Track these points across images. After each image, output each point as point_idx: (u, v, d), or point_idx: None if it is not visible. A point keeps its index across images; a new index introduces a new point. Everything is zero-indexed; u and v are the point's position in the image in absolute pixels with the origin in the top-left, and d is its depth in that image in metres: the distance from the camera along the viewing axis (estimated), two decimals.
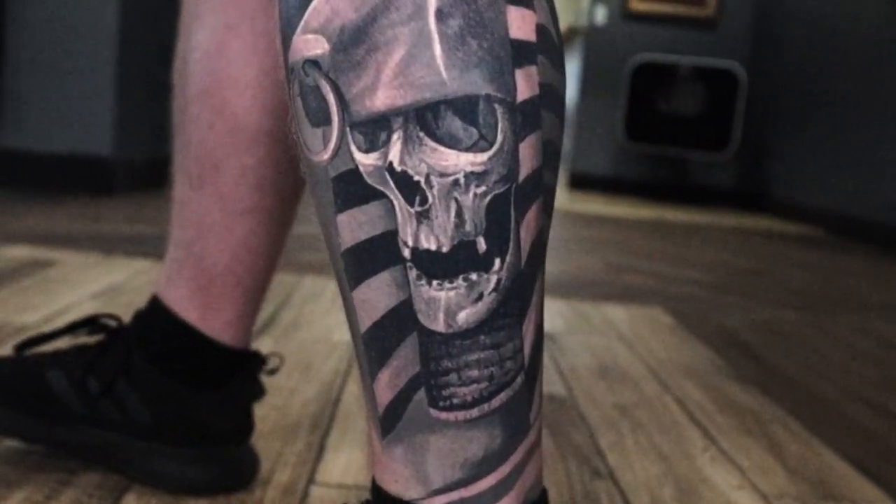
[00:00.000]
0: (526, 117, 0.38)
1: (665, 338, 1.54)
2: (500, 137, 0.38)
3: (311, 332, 1.33)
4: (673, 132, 4.98)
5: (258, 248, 0.72)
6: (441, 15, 0.37)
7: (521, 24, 0.38)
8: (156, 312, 0.74)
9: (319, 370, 1.15)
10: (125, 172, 2.84)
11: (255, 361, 0.76)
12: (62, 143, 2.74)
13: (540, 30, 0.39)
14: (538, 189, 0.40)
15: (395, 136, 0.37)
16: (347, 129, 0.37)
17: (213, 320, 0.73)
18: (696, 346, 1.50)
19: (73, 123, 2.74)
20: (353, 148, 0.38)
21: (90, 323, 0.77)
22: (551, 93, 0.40)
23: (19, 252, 1.70)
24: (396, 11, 0.36)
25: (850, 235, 3.89)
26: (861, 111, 3.94)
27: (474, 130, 0.37)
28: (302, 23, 0.38)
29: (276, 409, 0.98)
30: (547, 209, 0.41)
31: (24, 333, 1.17)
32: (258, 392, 0.77)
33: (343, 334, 1.33)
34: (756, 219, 4.63)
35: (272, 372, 0.79)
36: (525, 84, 0.38)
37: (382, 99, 0.37)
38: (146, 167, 3.05)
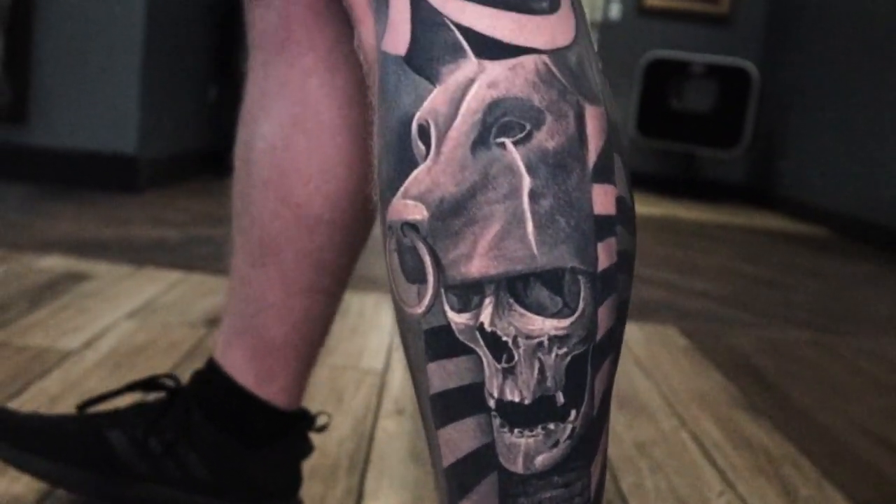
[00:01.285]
0: (605, 284, 0.43)
1: (680, 362, 1.59)
2: (581, 305, 0.42)
3: (339, 356, 1.38)
4: (684, 129, 5.00)
5: (315, 322, 0.77)
6: (534, 195, 0.41)
7: (603, 200, 0.42)
8: (214, 376, 0.79)
9: (351, 403, 1.20)
10: (150, 170, 2.89)
11: (305, 421, 0.81)
12: (88, 140, 2.79)
13: (619, 202, 0.44)
14: (613, 345, 0.44)
15: (486, 301, 0.41)
16: (442, 289, 0.41)
17: (268, 387, 0.78)
18: (709, 373, 1.55)
19: (99, 121, 2.78)
20: (447, 307, 0.41)
21: (149, 383, 0.81)
22: (626, 258, 0.44)
23: (53, 262, 1.75)
24: (493, 190, 0.40)
25: (856, 237, 3.92)
26: (872, 113, 3.97)
27: (559, 299, 0.41)
28: (402, 188, 0.42)
29: (315, 447, 1.03)
30: (617, 358, 0.46)
31: (68, 360, 1.22)
32: (307, 449, 0.82)
33: (371, 361, 1.38)
34: (763, 216, 4.66)
35: (321, 429, 0.83)
36: (605, 255, 0.42)
37: (477, 267, 0.41)
38: (170, 163, 3.09)
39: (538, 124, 0.41)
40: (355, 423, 1.12)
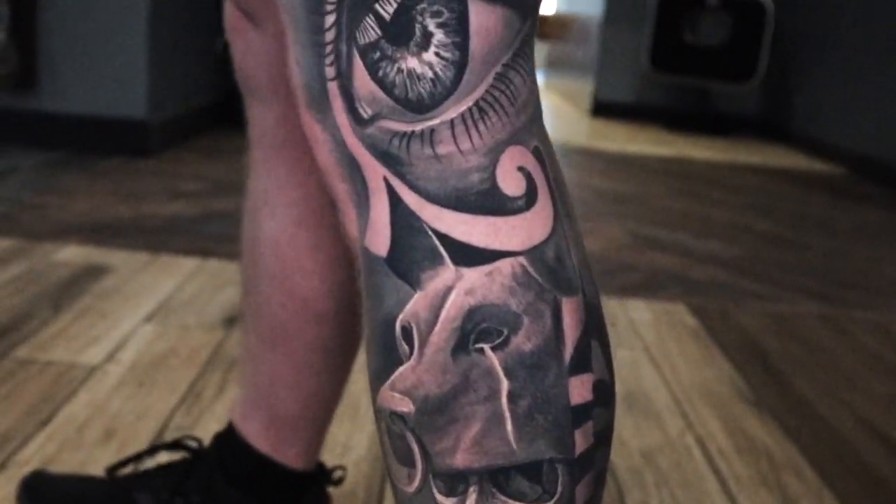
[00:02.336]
0: (582, 466, 0.45)
1: (688, 349, 1.62)
2: (560, 489, 0.45)
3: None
4: (698, 62, 4.94)
5: (326, 394, 0.80)
6: (512, 397, 0.43)
7: (580, 391, 0.45)
8: (233, 441, 0.83)
9: (367, 414, 1.24)
10: (161, 132, 2.90)
11: (322, 478, 0.85)
12: (97, 105, 2.79)
13: (596, 386, 0.46)
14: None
15: (471, 489, 0.44)
16: (430, 475, 0.44)
17: (285, 453, 0.81)
18: (716, 360, 1.58)
19: (108, 86, 2.78)
20: (435, 491, 0.44)
21: (174, 444, 0.85)
22: (604, 433, 0.47)
23: (71, 254, 1.78)
24: (474, 392, 0.43)
25: (870, 177, 3.91)
26: (890, 48, 3.91)
27: (538, 487, 0.44)
28: (389, 381, 0.44)
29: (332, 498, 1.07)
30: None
31: (92, 378, 1.26)
32: (325, 503, 0.86)
33: None
34: (778, 153, 4.64)
35: (337, 483, 0.87)
36: (582, 439, 0.45)
37: (461, 460, 0.44)
38: (180, 122, 3.09)
39: (515, 328, 0.43)
40: (371, 442, 1.16)
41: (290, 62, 0.47)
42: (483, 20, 0.42)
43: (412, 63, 0.42)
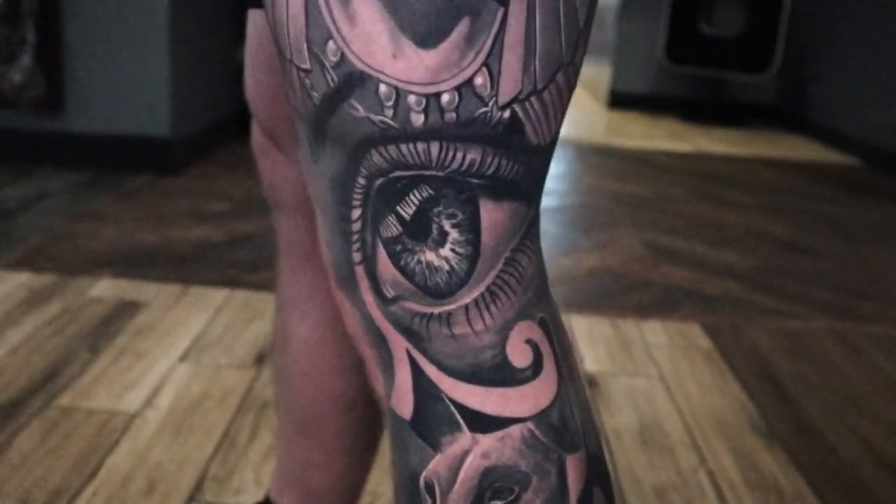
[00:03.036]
0: None
1: (702, 374, 1.67)
2: None
3: None
4: (714, 53, 4.95)
5: (356, 473, 0.86)
6: None
7: None
8: None
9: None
10: (184, 149, 2.96)
11: None
12: (122, 125, 2.86)
13: None
14: None
15: None
16: None
17: None
18: (729, 386, 1.63)
19: (132, 106, 2.85)
20: None
21: None
22: None
23: (105, 289, 1.85)
24: None
25: (886, 169, 3.92)
26: None
27: None
28: None
29: None
30: None
31: (133, 426, 1.33)
32: None
33: None
34: (795, 143, 4.65)
35: None
36: None
37: None
38: (204, 136, 3.16)
39: (525, 486, 0.49)
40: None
41: (321, 240, 0.53)
42: (492, 217, 0.48)
43: (430, 256, 0.47)
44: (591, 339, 1.80)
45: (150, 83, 2.84)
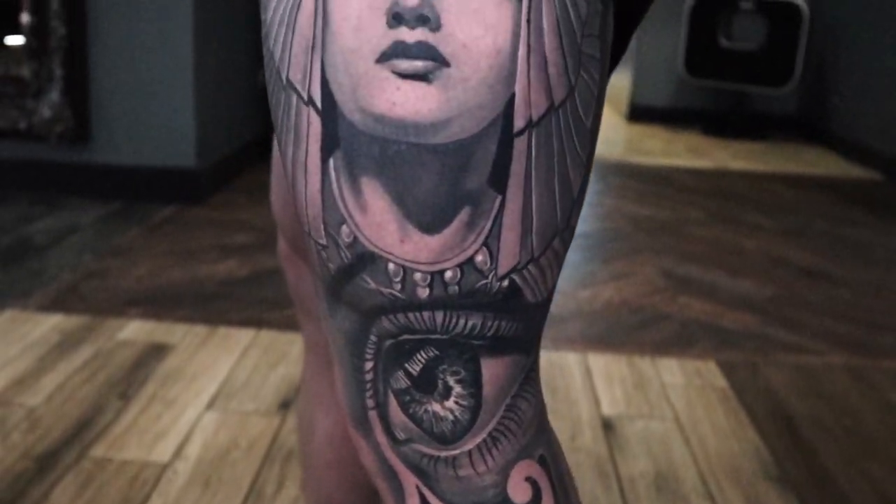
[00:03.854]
0: None
1: (717, 418, 1.70)
2: None
3: None
4: (734, 67, 4.96)
5: None
6: None
7: None
8: None
9: None
10: (208, 177, 3.02)
11: None
12: (148, 156, 2.92)
13: None
14: None
15: None
16: None
17: None
18: (744, 430, 1.66)
19: (157, 137, 2.91)
20: None
21: None
22: None
23: (134, 332, 1.91)
24: None
25: None
26: None
27: None
28: None
29: None
30: None
31: (163, 478, 1.38)
32: None
33: None
34: (815, 155, 4.65)
35: None
36: None
37: None
38: (226, 164, 3.22)
39: None
40: None
41: (337, 382, 0.57)
42: (493, 371, 0.52)
43: (436, 407, 0.52)
44: (608, 379, 1.84)
45: (175, 114, 2.90)
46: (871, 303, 2.42)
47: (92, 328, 1.92)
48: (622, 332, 2.09)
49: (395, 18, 0.43)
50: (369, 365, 0.53)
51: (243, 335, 1.93)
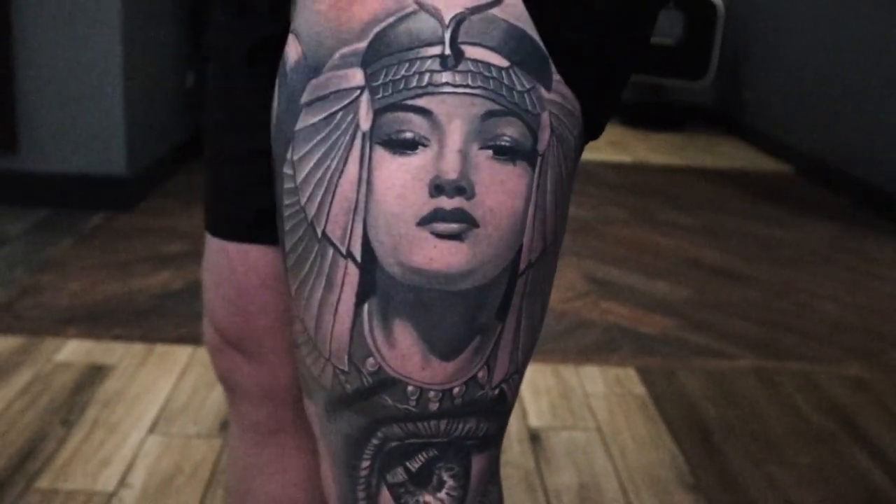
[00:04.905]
0: None
1: (636, 427, 1.82)
2: None
3: None
4: (654, 60, 5.10)
5: None
6: None
7: None
8: None
9: None
10: (139, 183, 3.03)
11: None
12: (77, 163, 2.92)
13: None
14: None
15: None
16: None
17: None
18: (662, 438, 1.78)
19: (87, 144, 2.90)
20: None
21: None
22: None
23: (73, 352, 1.94)
24: None
25: (816, 177, 4.11)
26: (837, 48, 4.09)
27: None
28: None
29: None
30: None
31: None
32: None
33: None
34: (730, 147, 4.83)
35: None
36: None
37: None
38: (156, 168, 3.22)
39: None
40: None
41: (325, 472, 0.64)
42: (479, 465, 0.61)
43: (428, 498, 0.60)
44: (534, 390, 1.94)
45: (104, 120, 2.89)
46: (779, 304, 2.57)
47: (29, 350, 1.94)
48: (548, 339, 2.19)
49: (437, 189, 0.51)
50: (366, 463, 0.60)
51: (181, 353, 1.98)
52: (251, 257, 0.74)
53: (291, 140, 0.52)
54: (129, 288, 2.32)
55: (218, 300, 0.78)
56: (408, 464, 0.59)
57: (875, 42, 3.74)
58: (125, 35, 2.88)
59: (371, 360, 0.55)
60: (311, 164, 0.52)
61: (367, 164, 0.50)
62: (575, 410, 1.87)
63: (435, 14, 0.49)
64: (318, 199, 0.52)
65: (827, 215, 3.59)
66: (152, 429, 1.68)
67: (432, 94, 0.50)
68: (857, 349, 2.27)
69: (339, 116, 0.50)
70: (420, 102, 0.50)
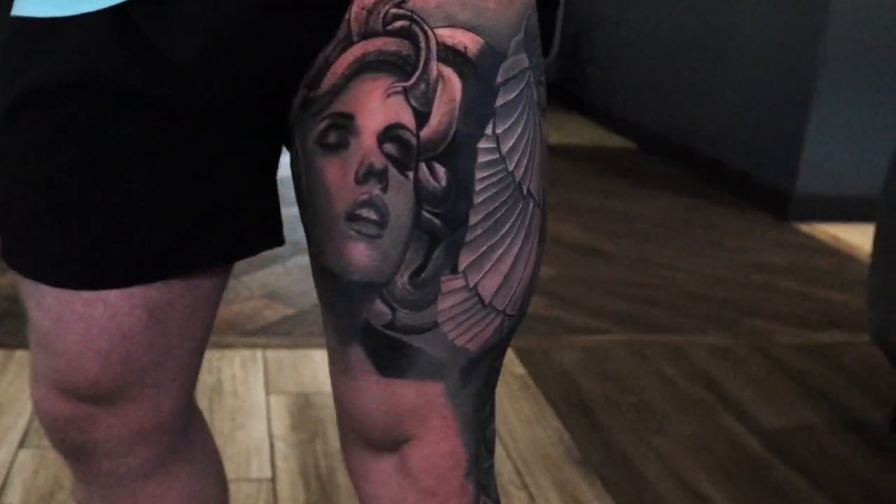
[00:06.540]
0: None
1: (521, 406, 1.84)
2: None
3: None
4: None
5: None
6: None
7: None
8: None
9: None
10: None
11: None
12: None
13: None
14: None
15: None
16: None
17: None
18: (546, 416, 1.81)
19: None
20: None
21: None
22: None
23: None
24: None
25: (655, 152, 4.29)
26: (674, 32, 4.26)
27: None
28: None
29: None
30: None
31: None
32: None
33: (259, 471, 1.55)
34: (579, 125, 4.97)
35: None
36: None
37: None
38: None
39: None
40: None
41: (444, 452, 0.66)
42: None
43: (494, 426, 0.69)
44: None
45: None
46: (641, 277, 2.66)
47: None
48: None
49: None
50: (486, 411, 0.69)
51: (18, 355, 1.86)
52: (138, 295, 0.66)
53: (492, 116, 0.59)
54: None
55: (89, 356, 0.68)
56: (489, 404, 0.68)
57: (710, 19, 3.92)
58: None
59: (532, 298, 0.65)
60: (517, 134, 0.60)
61: (541, 129, 0.63)
62: None
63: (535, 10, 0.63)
64: (525, 163, 0.61)
65: (673, 189, 3.74)
66: (23, 443, 1.57)
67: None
68: (715, 319, 2.39)
69: (525, 93, 0.60)
70: (543, 78, 0.64)
